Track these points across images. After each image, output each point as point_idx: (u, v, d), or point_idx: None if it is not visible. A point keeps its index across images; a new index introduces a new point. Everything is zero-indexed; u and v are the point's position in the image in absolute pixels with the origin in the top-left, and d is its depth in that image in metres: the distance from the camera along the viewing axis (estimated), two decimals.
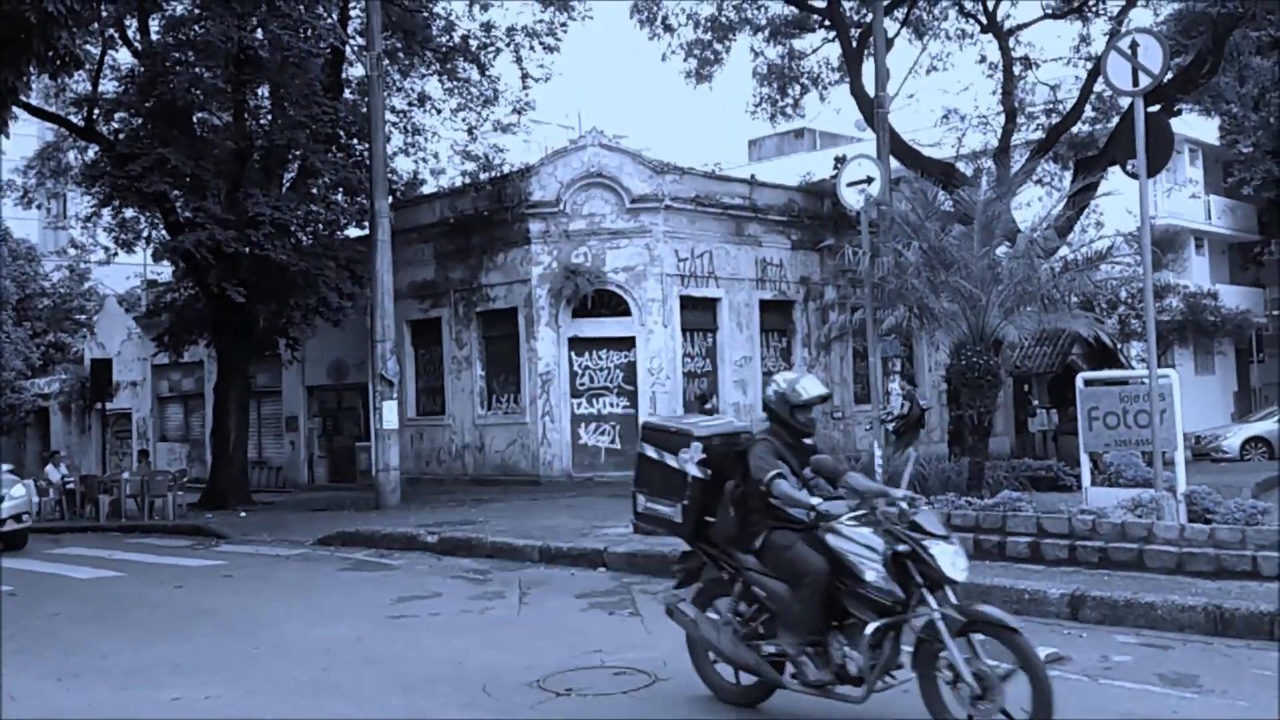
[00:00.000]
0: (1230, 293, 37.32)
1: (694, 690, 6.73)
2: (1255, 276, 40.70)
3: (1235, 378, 39.14)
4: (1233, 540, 8.57)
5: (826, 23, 24.92)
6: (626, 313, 21.69)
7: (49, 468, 24.62)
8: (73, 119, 22.31)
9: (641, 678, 6.97)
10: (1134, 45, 9.93)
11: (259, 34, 19.70)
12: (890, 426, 18.61)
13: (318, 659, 7.85)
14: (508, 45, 22.41)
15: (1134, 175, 10.14)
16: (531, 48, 22.46)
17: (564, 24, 22.41)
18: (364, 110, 20.15)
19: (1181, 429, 10.54)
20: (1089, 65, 23.91)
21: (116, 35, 21.45)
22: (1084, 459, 10.92)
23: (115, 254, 24.42)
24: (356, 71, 22.27)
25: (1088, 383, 11.23)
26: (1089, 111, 24.57)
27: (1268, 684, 6.41)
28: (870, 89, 21.06)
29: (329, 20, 20.61)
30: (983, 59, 26.18)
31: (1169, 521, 9.15)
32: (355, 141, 21.23)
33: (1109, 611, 8.00)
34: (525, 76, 22.63)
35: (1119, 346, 27.33)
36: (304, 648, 8.26)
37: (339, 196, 21.58)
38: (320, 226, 21.32)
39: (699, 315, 22.57)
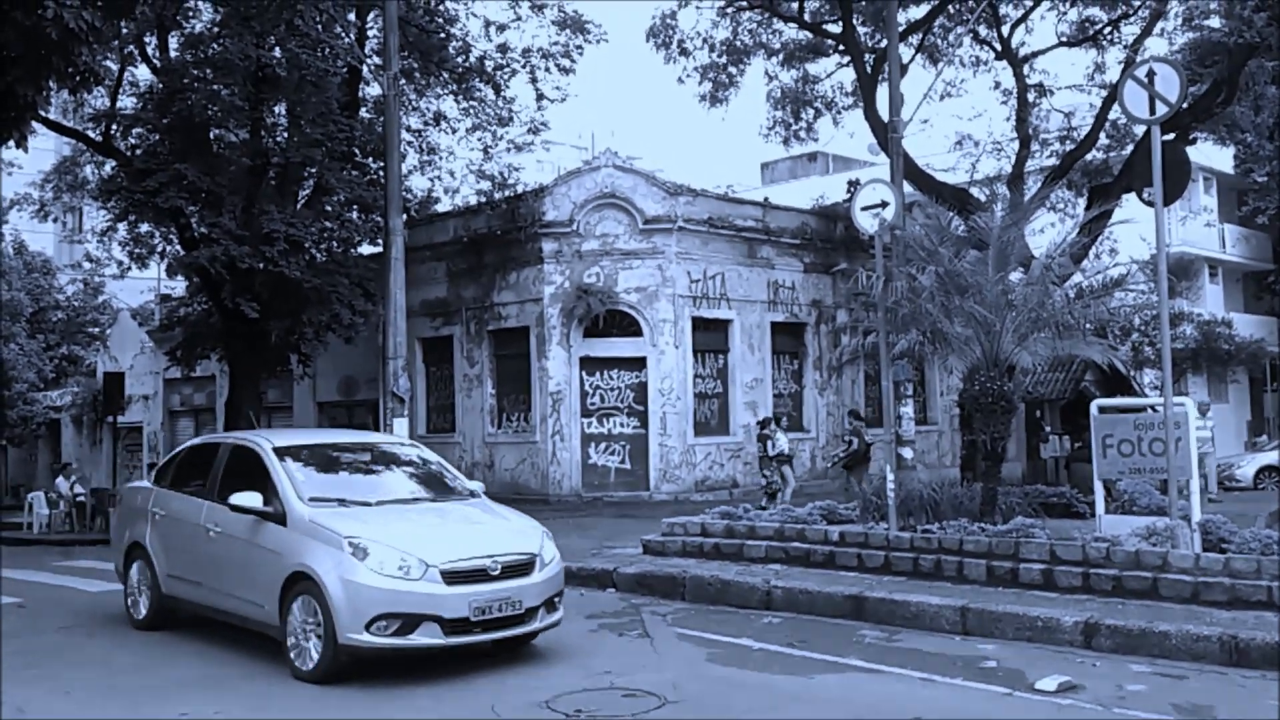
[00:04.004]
0: (1244, 321, 37.20)
1: (703, 713, 6.70)
2: (1269, 305, 40.53)
3: (1249, 407, 38.94)
4: (1248, 570, 8.51)
5: (841, 48, 24.97)
6: (638, 333, 21.69)
7: (60, 480, 24.70)
8: (91, 134, 22.45)
9: (651, 700, 6.93)
10: (1151, 74, 9.93)
11: (277, 52, 19.85)
12: (840, 461, 19.13)
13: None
14: (523, 66, 22.51)
15: (1150, 203, 10.13)
16: (547, 69, 22.57)
17: (579, 46, 22.50)
18: (380, 129, 20.23)
19: (1196, 457, 10.47)
20: (1103, 93, 23.91)
21: (136, 52, 21.61)
22: (1098, 486, 10.85)
23: (130, 268, 24.52)
24: (373, 90, 22.37)
25: (1103, 410, 11.18)
26: (1103, 139, 24.56)
27: None
28: (884, 114, 21.08)
29: (346, 40, 20.73)
30: (997, 85, 26.21)
31: (1184, 550, 9.08)
32: (370, 160, 21.34)
33: (1123, 640, 7.94)
34: (540, 97, 22.74)
35: (1132, 374, 27.24)
36: None
37: (353, 214, 21.68)
38: (334, 243, 21.41)
39: (710, 336, 22.56)
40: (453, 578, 7.63)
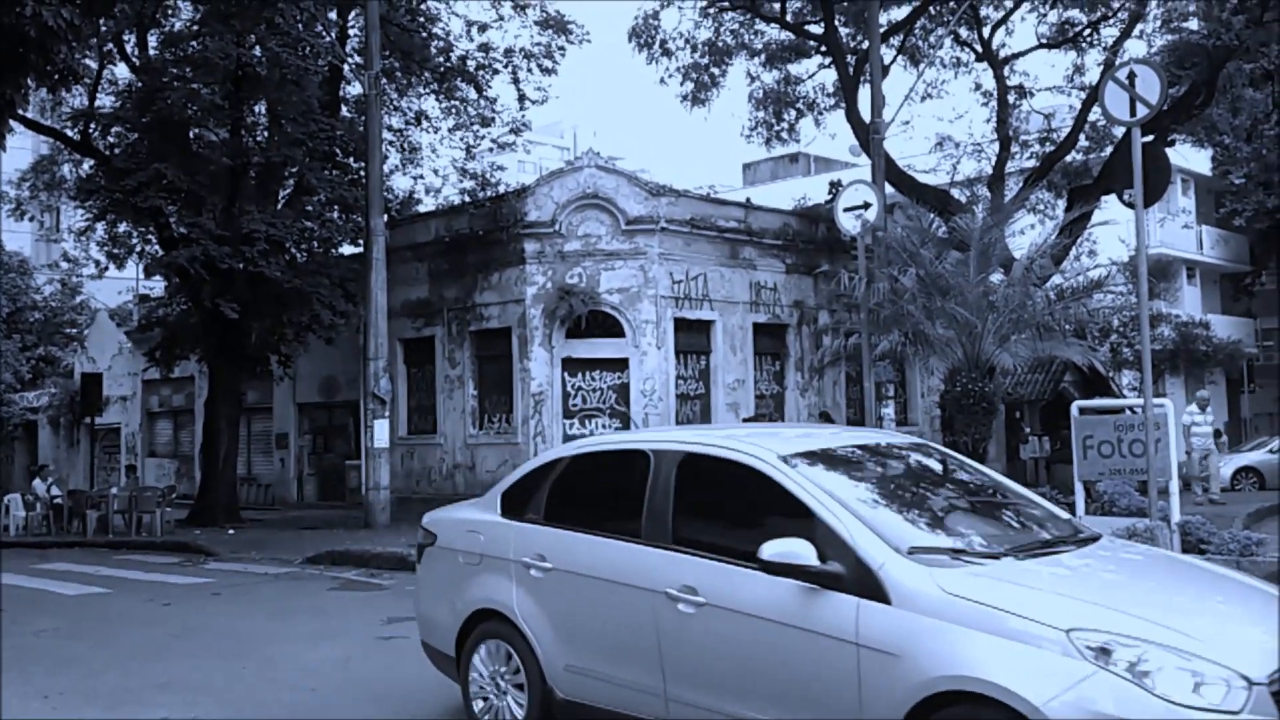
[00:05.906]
0: (1222, 323, 37.52)
1: None
2: (1246, 307, 40.90)
3: (1226, 408, 39.25)
4: None
5: (823, 49, 25.05)
6: (620, 334, 21.66)
7: (36, 482, 24.49)
8: (69, 133, 22.29)
9: None
10: (1132, 75, 9.98)
11: (257, 51, 19.75)
12: None
13: (306, 680, 7.78)
14: (505, 67, 22.52)
15: (1130, 204, 10.19)
16: (529, 69, 22.59)
17: (562, 47, 22.54)
18: (361, 128, 20.19)
19: (1175, 459, 10.55)
20: (1083, 94, 24.07)
21: (115, 50, 21.49)
22: (1078, 487, 10.91)
23: (108, 268, 24.34)
24: (354, 90, 22.34)
25: (1083, 411, 11.23)
26: (1083, 140, 24.72)
27: None
28: (866, 115, 21.16)
29: (327, 39, 20.67)
30: (977, 87, 26.36)
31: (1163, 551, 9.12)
32: (352, 159, 21.26)
33: None
34: (523, 98, 22.73)
35: (1111, 375, 27.42)
36: (292, 668, 8.19)
37: (334, 214, 21.59)
38: (315, 244, 21.32)
39: (693, 338, 22.55)
40: None
